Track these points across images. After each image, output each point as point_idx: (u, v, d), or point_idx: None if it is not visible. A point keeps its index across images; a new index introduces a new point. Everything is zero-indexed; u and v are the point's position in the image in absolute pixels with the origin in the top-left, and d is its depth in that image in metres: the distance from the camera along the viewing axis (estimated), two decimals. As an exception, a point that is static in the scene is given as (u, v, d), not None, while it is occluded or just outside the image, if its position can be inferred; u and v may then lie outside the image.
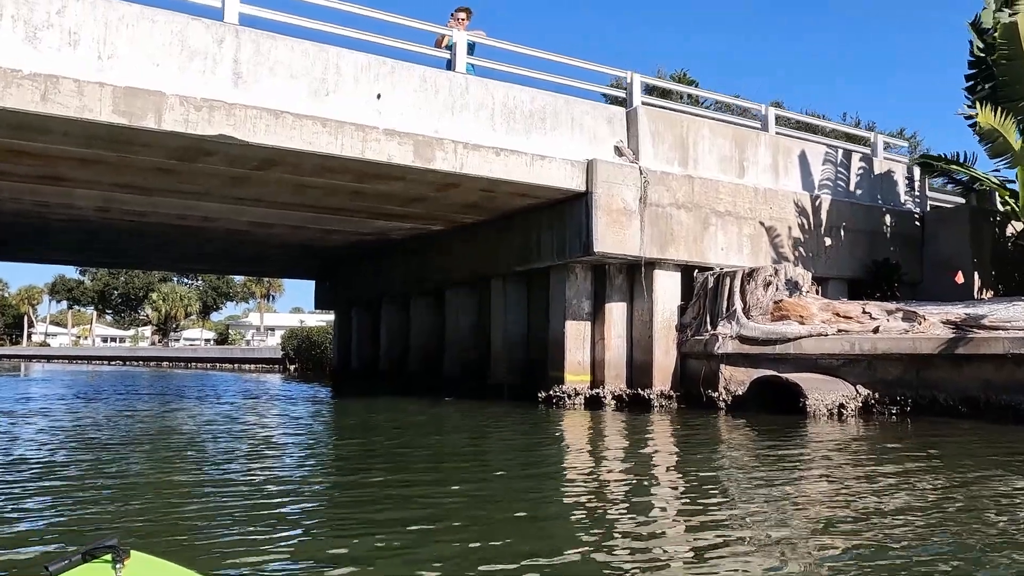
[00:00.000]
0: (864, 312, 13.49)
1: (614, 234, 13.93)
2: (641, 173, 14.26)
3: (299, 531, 4.58)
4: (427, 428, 11.41)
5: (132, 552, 2.24)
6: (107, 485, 6.00)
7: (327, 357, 35.65)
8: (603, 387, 14.79)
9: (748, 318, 13.77)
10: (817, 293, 14.71)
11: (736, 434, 10.67)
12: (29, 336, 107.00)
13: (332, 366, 31.16)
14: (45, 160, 11.96)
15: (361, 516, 4.91)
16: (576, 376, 14.97)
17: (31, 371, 44.33)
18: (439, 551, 3.97)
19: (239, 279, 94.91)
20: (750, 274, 14.07)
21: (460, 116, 12.86)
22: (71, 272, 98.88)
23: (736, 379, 13.79)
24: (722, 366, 13.89)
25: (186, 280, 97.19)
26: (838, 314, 13.54)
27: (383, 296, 23.88)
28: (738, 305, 13.90)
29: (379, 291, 24.08)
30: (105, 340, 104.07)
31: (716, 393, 13.81)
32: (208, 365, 52.61)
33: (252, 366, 47.04)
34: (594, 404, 14.70)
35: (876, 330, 13.01)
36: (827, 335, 13.16)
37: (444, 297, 20.06)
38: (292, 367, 39.85)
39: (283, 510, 5.09)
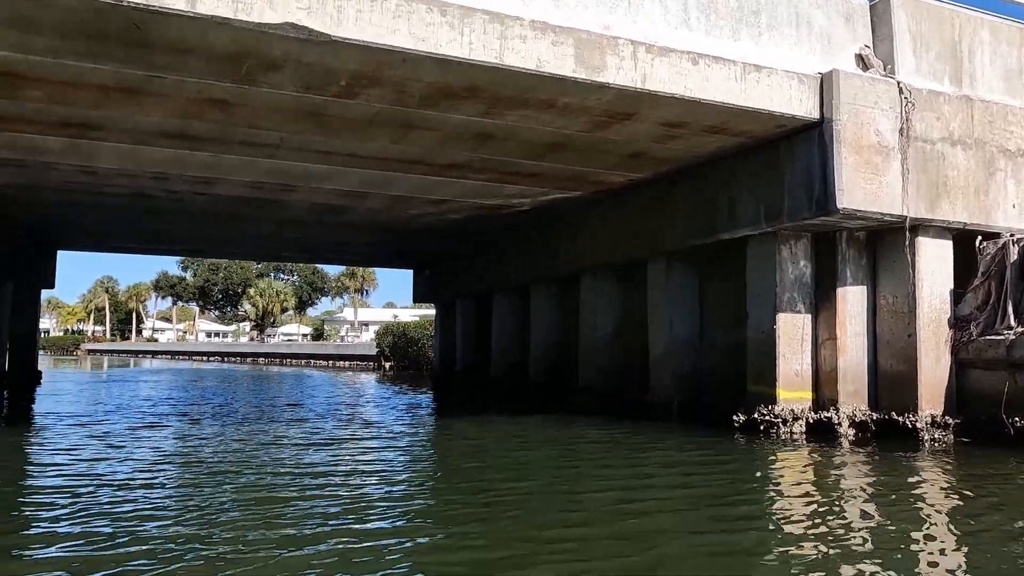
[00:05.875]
0: None
1: (865, 183, 9.29)
2: (901, 91, 9.55)
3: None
4: (573, 471, 7.20)
5: None
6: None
7: (424, 355, 32.66)
8: (835, 409, 10.20)
9: (1089, 308, 8.87)
10: None
11: None
12: (139, 331, 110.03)
13: (432, 366, 27.73)
14: (52, 89, 8.43)
15: None
16: (793, 392, 10.44)
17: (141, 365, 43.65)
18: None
19: (333, 272, 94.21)
20: (1088, 239, 9.14)
21: (640, 5, 8.55)
22: (173, 268, 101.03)
23: (1065, 402, 8.93)
24: (1040, 382, 9.07)
25: (282, 275, 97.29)
26: None
27: (495, 287, 19.96)
28: (1068, 288, 9.01)
29: (491, 281, 20.18)
30: (208, 335, 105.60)
31: (1030, 423, 9.02)
32: (303, 362, 50.67)
33: (346, 363, 44.58)
34: (822, 434, 10.14)
35: None
36: None
37: (578, 287, 15.86)
38: (387, 365, 36.97)
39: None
